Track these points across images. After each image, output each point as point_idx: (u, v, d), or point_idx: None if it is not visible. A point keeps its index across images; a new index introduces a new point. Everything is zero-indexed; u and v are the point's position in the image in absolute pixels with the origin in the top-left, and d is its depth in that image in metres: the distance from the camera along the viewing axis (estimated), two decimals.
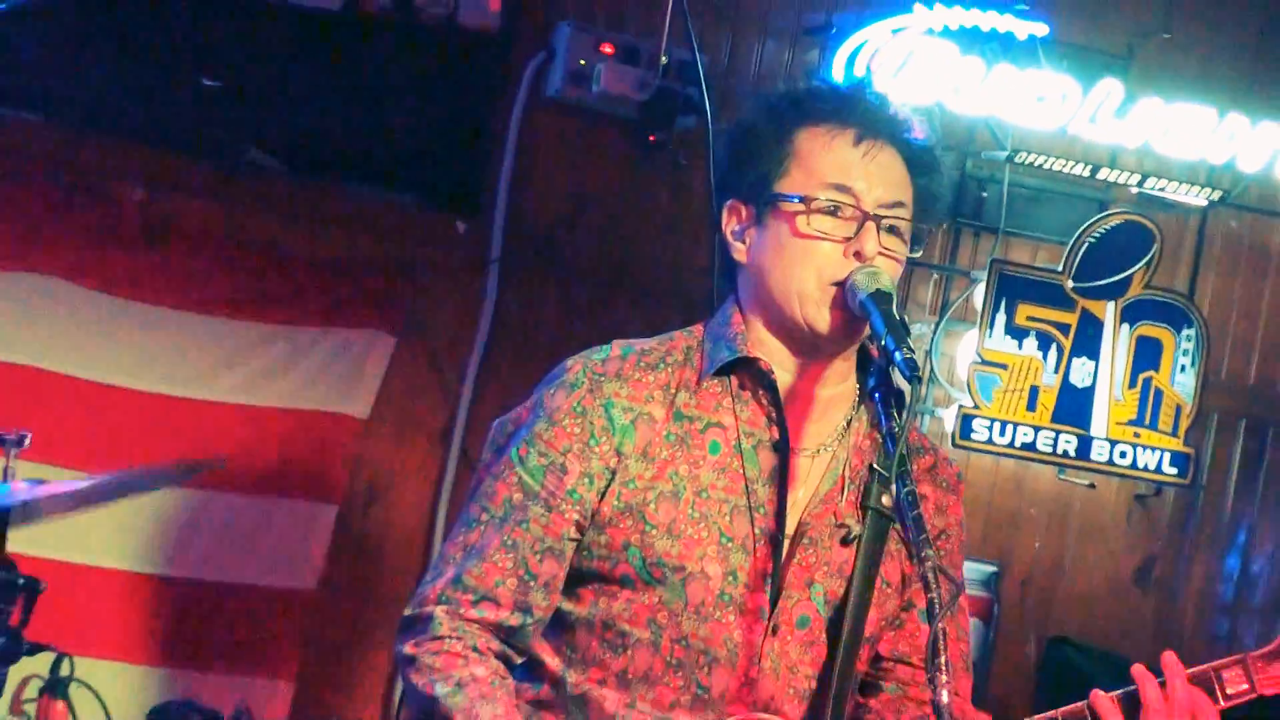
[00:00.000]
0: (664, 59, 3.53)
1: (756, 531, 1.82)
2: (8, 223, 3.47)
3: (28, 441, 2.47)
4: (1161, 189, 3.71)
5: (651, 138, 3.65)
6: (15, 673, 2.66)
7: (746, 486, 1.84)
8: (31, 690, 3.10)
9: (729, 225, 1.87)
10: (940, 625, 1.55)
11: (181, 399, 3.59)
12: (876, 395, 1.67)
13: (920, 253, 2.05)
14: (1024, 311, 3.72)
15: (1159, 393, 3.72)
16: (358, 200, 3.74)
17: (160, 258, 3.63)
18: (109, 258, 3.58)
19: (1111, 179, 3.71)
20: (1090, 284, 3.76)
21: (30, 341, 3.46)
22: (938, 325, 3.73)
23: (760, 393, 1.85)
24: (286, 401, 3.66)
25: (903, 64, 3.57)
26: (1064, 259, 3.72)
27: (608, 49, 3.54)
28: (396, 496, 3.77)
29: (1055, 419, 3.69)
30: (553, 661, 1.84)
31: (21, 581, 2.35)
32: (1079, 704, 1.78)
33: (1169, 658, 1.74)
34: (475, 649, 1.80)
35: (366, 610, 3.61)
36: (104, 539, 3.40)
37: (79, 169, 3.48)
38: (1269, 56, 3.81)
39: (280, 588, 3.63)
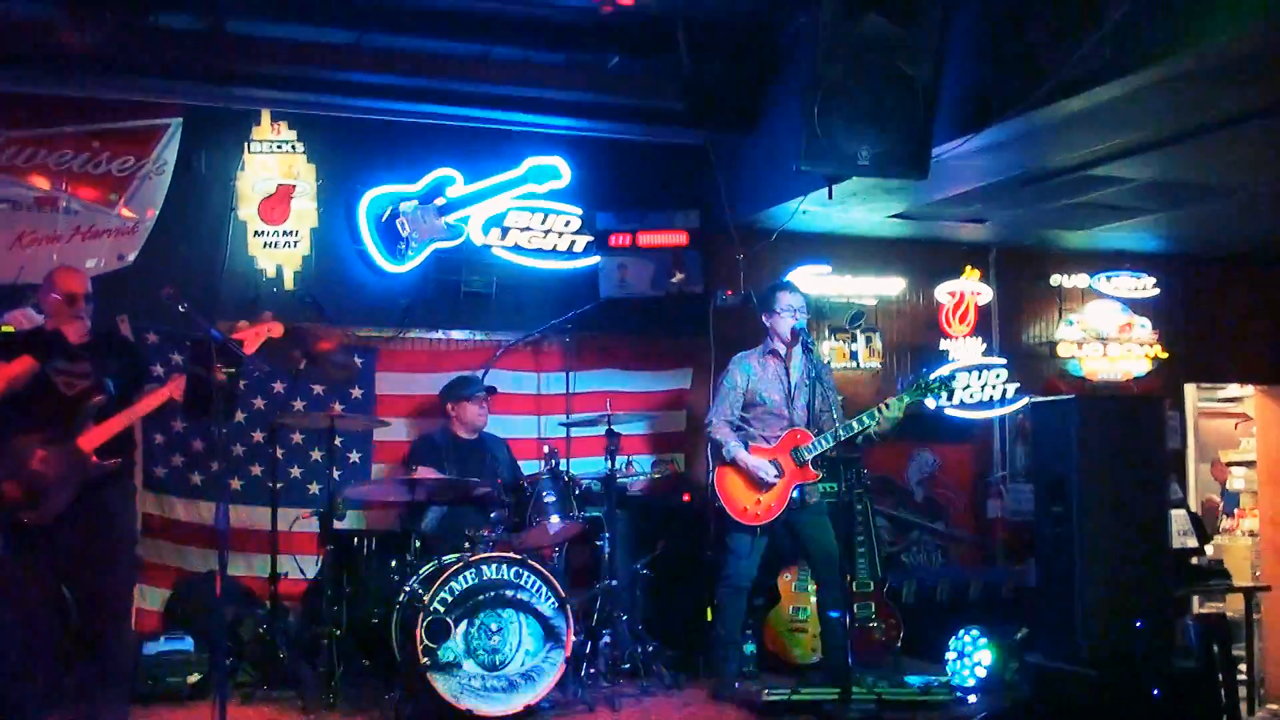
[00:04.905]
0: (742, 291, 7.57)
1: (785, 389, 6.10)
2: (587, 358, 7.96)
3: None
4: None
5: (740, 306, 7.65)
6: None
7: (782, 379, 6.11)
8: None
9: (763, 315, 6.19)
10: (834, 403, 6.31)
11: (637, 392, 7.73)
12: (805, 352, 6.02)
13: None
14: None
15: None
16: (669, 339, 7.89)
17: (610, 354, 7.78)
18: (611, 358, 7.84)
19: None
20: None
21: (605, 386, 8.72)
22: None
23: (779, 357, 6.10)
24: (667, 385, 7.93)
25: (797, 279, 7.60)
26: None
27: (730, 292, 7.62)
28: (700, 402, 7.69)
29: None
30: (749, 429, 6.21)
31: None
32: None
33: None
34: (729, 426, 6.24)
35: (700, 436, 7.41)
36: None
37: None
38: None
39: (672, 431, 7.91)
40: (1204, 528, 8.45)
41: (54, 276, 5.74)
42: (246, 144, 7.42)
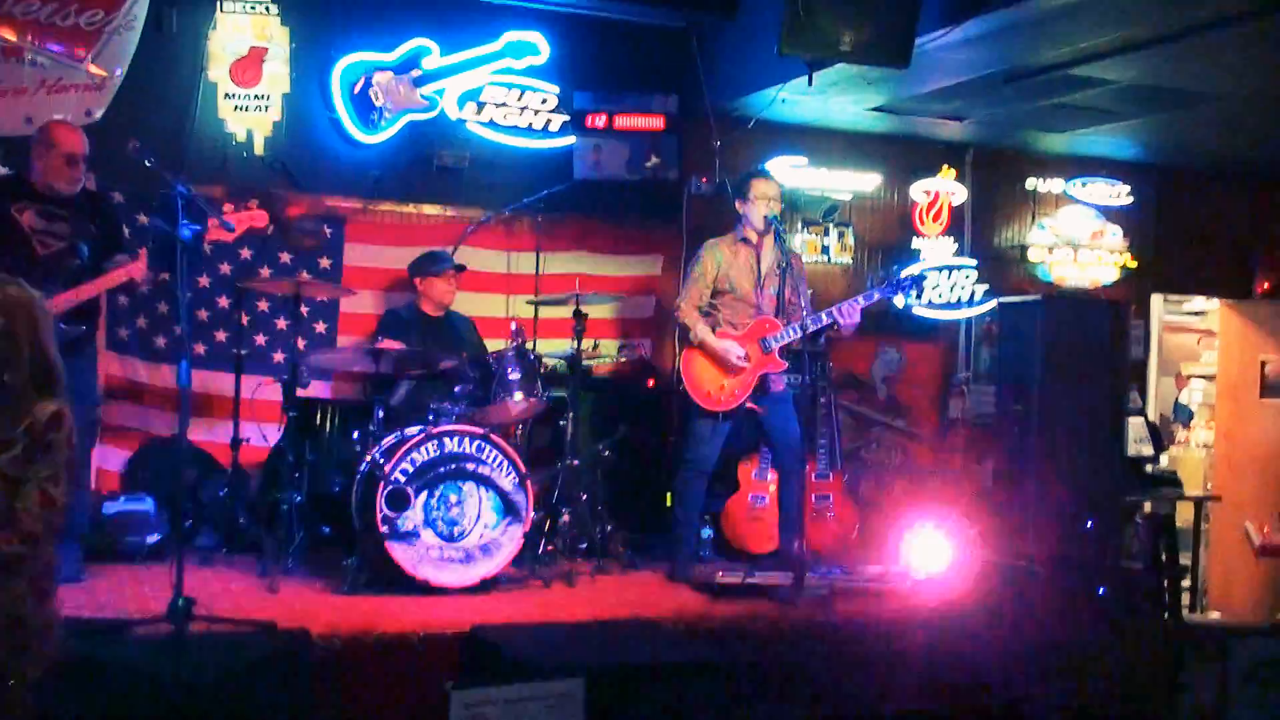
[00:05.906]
0: (717, 180, 7.40)
1: (755, 278, 6.07)
2: (557, 239, 7.49)
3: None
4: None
5: (713, 195, 7.49)
6: None
7: (752, 267, 6.05)
8: None
9: (737, 202, 6.10)
10: (804, 294, 6.41)
11: (606, 276, 7.57)
12: (777, 242, 5.95)
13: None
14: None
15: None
16: (641, 224, 7.81)
17: (581, 236, 7.63)
18: (582, 240, 7.64)
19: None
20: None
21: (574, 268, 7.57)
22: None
23: (750, 245, 6.05)
24: (637, 271, 7.83)
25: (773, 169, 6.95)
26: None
27: (705, 180, 7.47)
28: (669, 289, 7.62)
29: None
30: (718, 314, 6.30)
31: None
32: None
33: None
34: (698, 311, 6.16)
35: (667, 322, 7.65)
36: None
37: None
38: None
39: (640, 317, 7.85)
40: (1160, 437, 8.51)
41: (54, 133, 5.56)
42: (219, 3, 7.19)
